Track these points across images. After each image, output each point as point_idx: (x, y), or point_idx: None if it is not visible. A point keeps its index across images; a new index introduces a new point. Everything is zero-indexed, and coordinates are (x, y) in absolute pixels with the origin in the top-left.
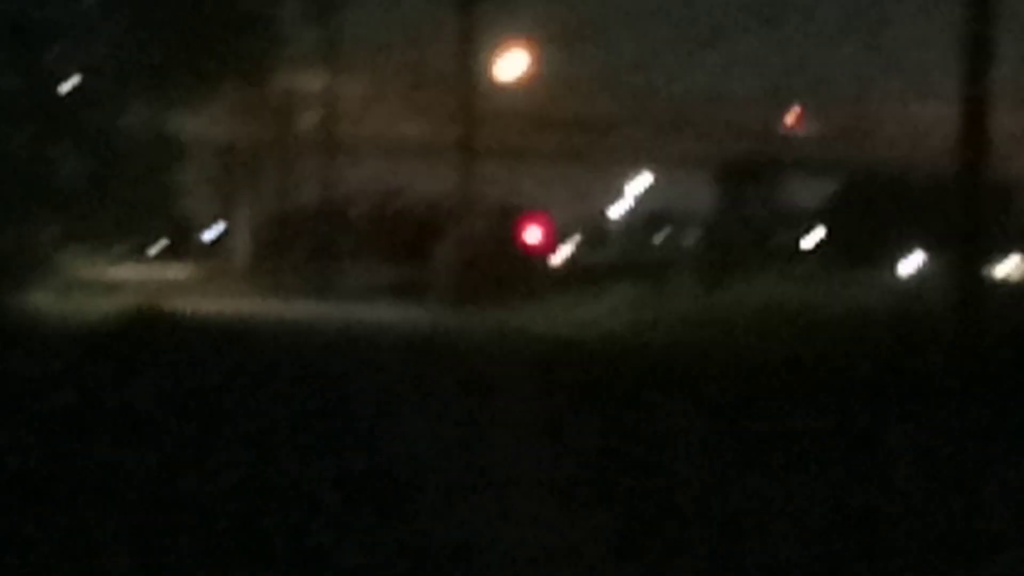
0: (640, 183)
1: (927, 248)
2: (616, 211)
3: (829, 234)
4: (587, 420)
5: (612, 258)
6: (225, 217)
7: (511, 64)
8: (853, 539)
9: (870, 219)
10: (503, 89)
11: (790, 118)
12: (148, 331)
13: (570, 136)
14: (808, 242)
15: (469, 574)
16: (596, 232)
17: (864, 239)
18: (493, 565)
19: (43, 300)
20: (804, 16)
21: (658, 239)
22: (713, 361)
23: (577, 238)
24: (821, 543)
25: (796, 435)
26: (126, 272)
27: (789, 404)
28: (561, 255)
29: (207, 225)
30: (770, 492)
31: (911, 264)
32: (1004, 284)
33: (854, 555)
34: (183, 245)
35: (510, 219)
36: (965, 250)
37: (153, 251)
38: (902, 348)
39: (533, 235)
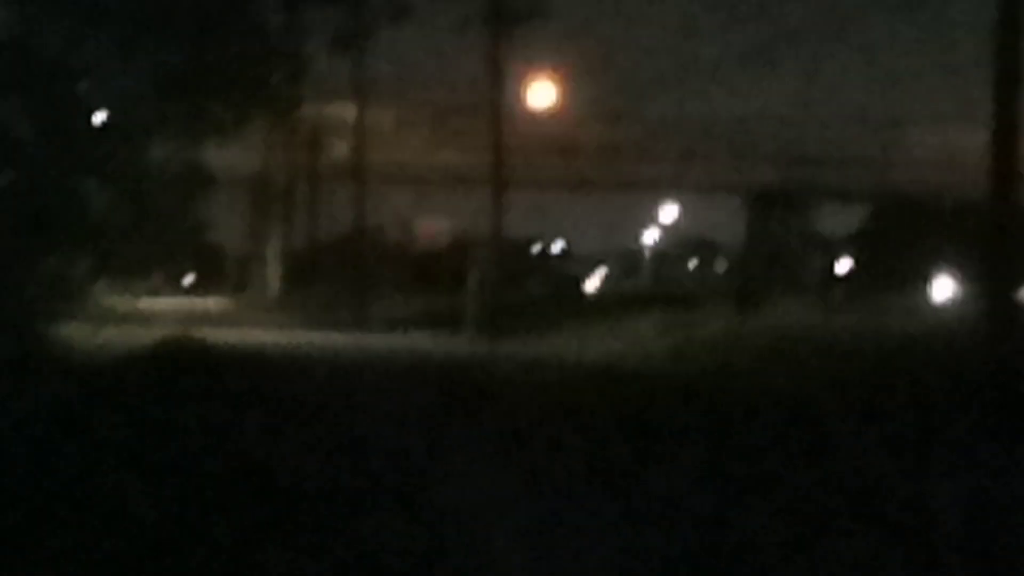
0: (671, 210)
1: (961, 273)
2: (648, 238)
3: (862, 260)
4: (613, 448)
5: (644, 285)
6: (256, 249)
7: (541, 94)
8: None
9: (903, 245)
10: (533, 118)
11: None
12: (180, 362)
13: (601, 164)
14: (841, 268)
15: None
16: (628, 259)
17: (897, 265)
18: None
19: (78, 332)
20: (833, 42)
21: (690, 266)
22: (743, 389)
23: (609, 265)
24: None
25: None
26: (159, 304)
27: (820, 434)
28: (594, 283)
29: (238, 257)
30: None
31: (945, 290)
32: None
33: None
34: (215, 277)
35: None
36: (997, 275)
37: (186, 282)
38: (934, 376)
39: None
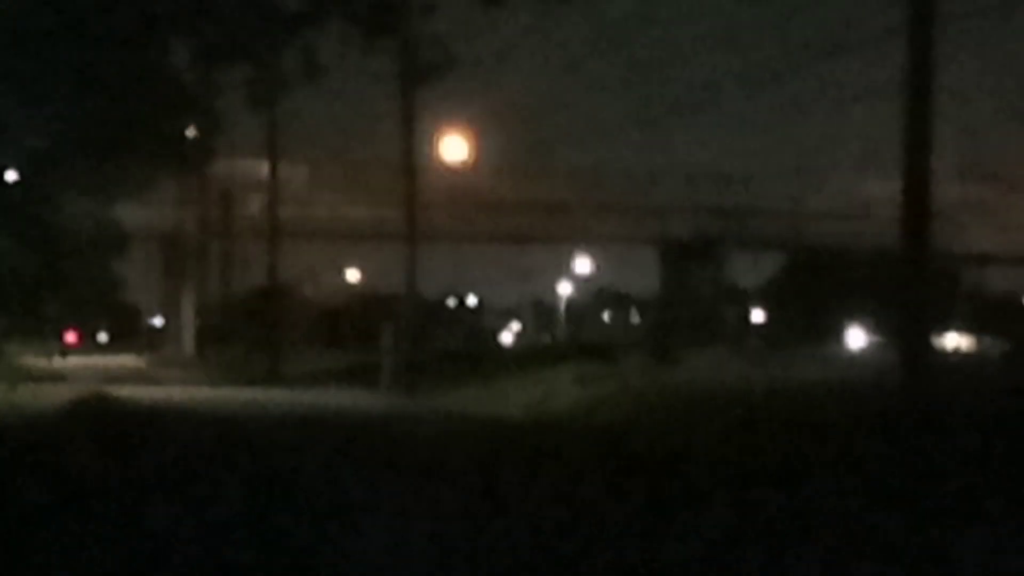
0: (585, 262)
1: (874, 322)
2: (563, 290)
3: (776, 311)
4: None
5: (559, 337)
6: (170, 306)
7: (453, 148)
8: None
9: (816, 295)
10: (446, 173)
11: None
12: (95, 418)
13: (514, 217)
14: (755, 318)
15: None
16: (542, 311)
17: (811, 315)
18: None
19: None
20: (746, 96)
21: (605, 317)
22: (659, 439)
23: (524, 318)
24: None
25: (739, 513)
26: (73, 362)
27: (732, 482)
28: (509, 335)
29: (152, 313)
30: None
31: (858, 339)
32: (952, 355)
33: None
34: (129, 334)
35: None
36: (910, 324)
37: (101, 339)
38: (847, 422)
39: None
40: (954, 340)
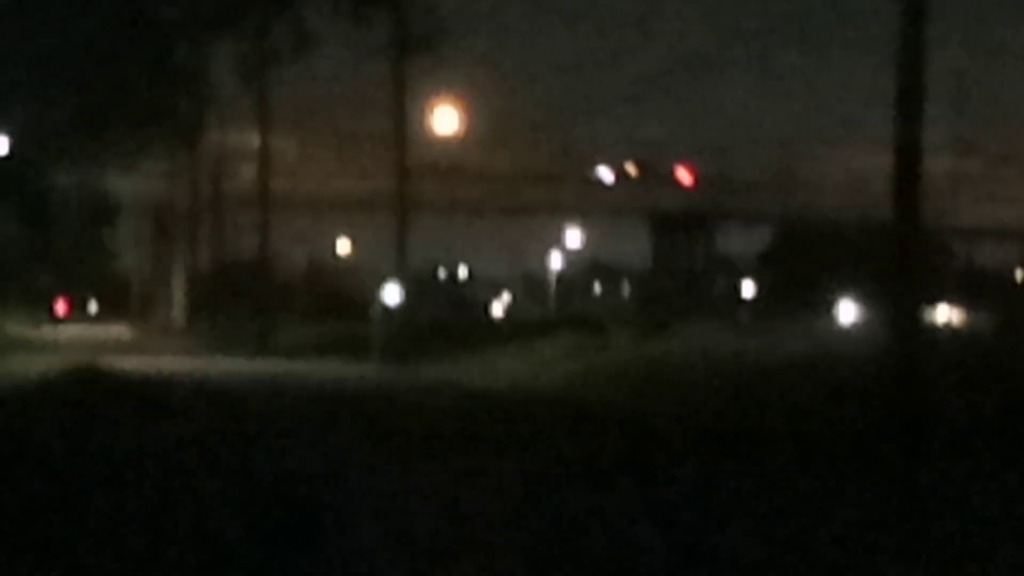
0: (576, 234)
1: (865, 295)
2: (553, 262)
3: (767, 283)
4: (508, 474)
5: (550, 309)
6: (161, 276)
7: (444, 120)
8: None
9: (807, 267)
10: (437, 144)
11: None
12: (85, 389)
13: (505, 189)
14: (746, 291)
15: None
16: (533, 284)
17: (802, 287)
18: None
19: None
20: (737, 67)
21: (596, 289)
22: (647, 410)
23: (515, 290)
24: None
25: (725, 485)
26: (64, 332)
27: (717, 455)
28: (500, 307)
29: (143, 284)
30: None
31: (849, 311)
32: (943, 329)
33: None
34: (120, 304)
35: None
36: (900, 297)
37: (91, 309)
38: (834, 396)
39: None
40: (945, 314)
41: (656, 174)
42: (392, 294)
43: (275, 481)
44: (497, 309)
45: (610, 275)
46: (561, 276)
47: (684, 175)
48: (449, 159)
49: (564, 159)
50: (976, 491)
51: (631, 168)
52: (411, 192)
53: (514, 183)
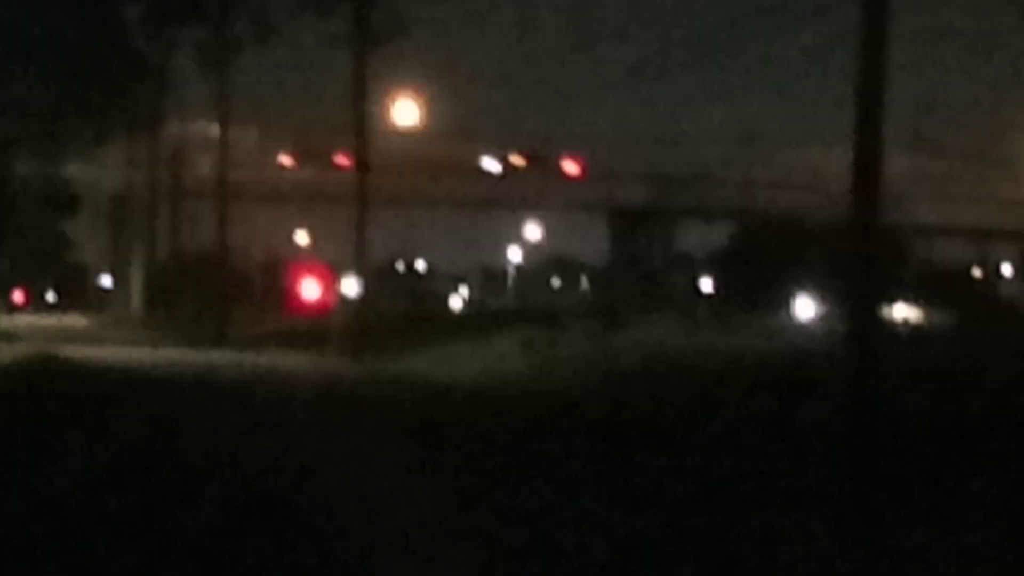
0: (534, 228)
1: (823, 292)
2: (512, 256)
3: (725, 278)
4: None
5: (508, 302)
6: (119, 266)
7: (404, 112)
8: None
9: (765, 263)
10: (396, 137)
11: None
12: (43, 379)
13: (464, 182)
14: (704, 286)
15: None
16: (491, 277)
17: (760, 283)
18: None
19: None
20: (696, 65)
21: (554, 283)
22: (601, 405)
23: (473, 283)
24: None
25: (674, 479)
26: (21, 320)
27: (673, 448)
28: (458, 300)
29: (100, 273)
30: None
31: (807, 308)
32: (902, 326)
33: None
34: (77, 294)
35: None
36: (858, 294)
37: (49, 299)
38: (791, 391)
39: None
40: (903, 311)
41: (543, 165)
42: (350, 286)
43: (222, 474)
44: (456, 302)
45: (569, 269)
46: (520, 269)
47: (571, 166)
48: (409, 151)
49: (527, 152)
50: (923, 487)
51: (516, 159)
52: (371, 184)
53: (474, 176)
